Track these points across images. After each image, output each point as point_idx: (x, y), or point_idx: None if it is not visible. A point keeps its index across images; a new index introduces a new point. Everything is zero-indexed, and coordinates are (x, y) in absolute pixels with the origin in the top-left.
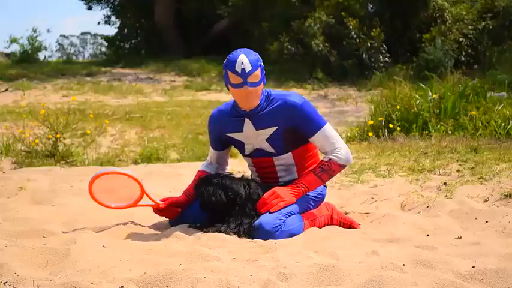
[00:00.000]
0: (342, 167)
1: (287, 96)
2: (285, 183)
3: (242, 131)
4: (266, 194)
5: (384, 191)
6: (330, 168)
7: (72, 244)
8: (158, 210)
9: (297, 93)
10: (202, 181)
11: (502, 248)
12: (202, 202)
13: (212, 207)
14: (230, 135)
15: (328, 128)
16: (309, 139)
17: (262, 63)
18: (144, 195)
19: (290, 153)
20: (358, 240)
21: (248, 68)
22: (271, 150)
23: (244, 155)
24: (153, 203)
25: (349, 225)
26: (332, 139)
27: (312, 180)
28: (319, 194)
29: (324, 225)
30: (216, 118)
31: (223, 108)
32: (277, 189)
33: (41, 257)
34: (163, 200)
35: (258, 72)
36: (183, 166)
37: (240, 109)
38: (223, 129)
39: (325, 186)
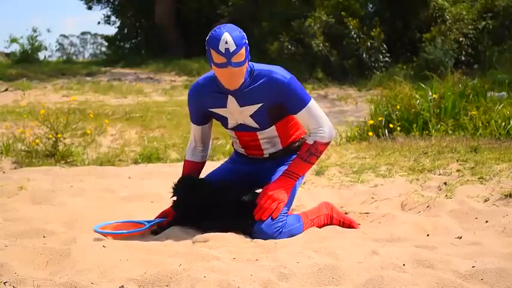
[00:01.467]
0: (327, 144)
1: (272, 73)
2: (271, 155)
3: (226, 107)
4: (262, 200)
5: (383, 191)
6: (316, 150)
7: (72, 244)
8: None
9: (281, 68)
10: (184, 183)
11: (502, 248)
12: (178, 202)
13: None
14: (213, 110)
15: (313, 105)
16: (294, 115)
17: (246, 41)
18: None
19: (273, 126)
20: (358, 240)
21: (232, 47)
22: (255, 125)
23: (226, 128)
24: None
25: (348, 224)
26: (316, 117)
27: (302, 167)
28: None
29: (323, 225)
30: (196, 94)
31: (203, 82)
32: (270, 190)
33: (41, 257)
34: (163, 215)
35: (243, 51)
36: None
37: (222, 86)
38: (205, 105)
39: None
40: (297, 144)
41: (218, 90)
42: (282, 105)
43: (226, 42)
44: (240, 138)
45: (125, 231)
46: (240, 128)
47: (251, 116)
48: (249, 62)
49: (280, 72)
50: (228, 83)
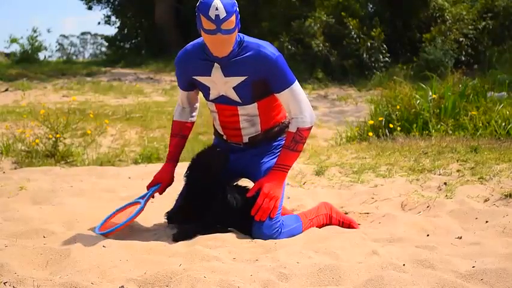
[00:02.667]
0: (310, 129)
1: (261, 47)
2: (250, 140)
3: (210, 75)
4: (259, 199)
5: (383, 191)
6: (301, 137)
7: (72, 244)
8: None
9: (271, 44)
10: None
11: (502, 248)
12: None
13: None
14: (196, 77)
15: (297, 87)
16: (276, 94)
17: (237, 8)
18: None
19: (256, 103)
20: (358, 240)
21: (223, 14)
22: (236, 99)
23: (207, 100)
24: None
25: (348, 224)
26: (299, 100)
27: (290, 157)
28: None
29: (323, 225)
30: (183, 60)
31: (190, 49)
32: (264, 187)
33: (41, 257)
34: (155, 181)
35: (233, 18)
36: (183, 166)
37: (210, 53)
38: (190, 72)
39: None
40: (276, 129)
41: (205, 58)
42: (266, 82)
43: (217, 9)
44: (220, 112)
45: (126, 220)
46: (221, 100)
47: (234, 88)
48: (240, 33)
49: (268, 47)
50: (217, 50)
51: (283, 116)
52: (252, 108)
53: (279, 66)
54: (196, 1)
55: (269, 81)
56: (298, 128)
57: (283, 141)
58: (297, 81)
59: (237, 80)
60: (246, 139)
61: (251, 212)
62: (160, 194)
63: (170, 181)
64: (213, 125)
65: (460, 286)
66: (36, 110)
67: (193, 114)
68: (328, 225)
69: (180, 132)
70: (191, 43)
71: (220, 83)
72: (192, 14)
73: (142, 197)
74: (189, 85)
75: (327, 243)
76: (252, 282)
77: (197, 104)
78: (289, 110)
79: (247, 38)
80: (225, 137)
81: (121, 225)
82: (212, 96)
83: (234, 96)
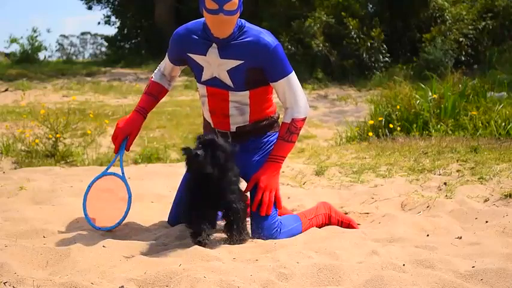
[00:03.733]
0: (304, 120)
1: (261, 34)
2: (238, 130)
3: (205, 55)
4: (257, 194)
5: (383, 191)
6: (296, 128)
7: (72, 244)
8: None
9: (270, 33)
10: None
11: (502, 248)
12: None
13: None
14: (191, 55)
15: (293, 77)
16: (272, 84)
17: None
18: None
19: (248, 91)
20: (358, 240)
21: None
22: (229, 83)
23: (199, 82)
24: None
25: (347, 224)
26: (295, 91)
27: (285, 147)
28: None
29: (322, 224)
30: (181, 36)
31: (191, 27)
32: (261, 181)
33: (41, 257)
34: (118, 133)
35: (236, 0)
36: (183, 166)
37: (210, 33)
38: (186, 49)
39: (275, 132)
40: (265, 122)
41: (203, 36)
42: (262, 70)
43: None
44: (210, 97)
45: (123, 218)
46: (212, 83)
47: (228, 71)
48: (241, 19)
49: (268, 36)
50: (217, 30)
51: (273, 110)
52: (243, 96)
53: (277, 54)
54: (195, 1)
55: (266, 69)
56: (293, 119)
57: (272, 137)
58: (293, 72)
59: (233, 63)
60: (233, 128)
61: (252, 208)
62: (128, 150)
63: (137, 133)
64: (202, 115)
65: (460, 286)
66: (36, 110)
67: (171, 83)
68: (327, 225)
69: (156, 94)
70: (192, 22)
71: (215, 64)
72: (192, 14)
73: (121, 171)
74: (179, 60)
75: (327, 243)
76: (252, 282)
77: (175, 79)
78: (284, 100)
79: (248, 24)
80: (212, 125)
81: (121, 222)
82: (204, 77)
83: (227, 79)
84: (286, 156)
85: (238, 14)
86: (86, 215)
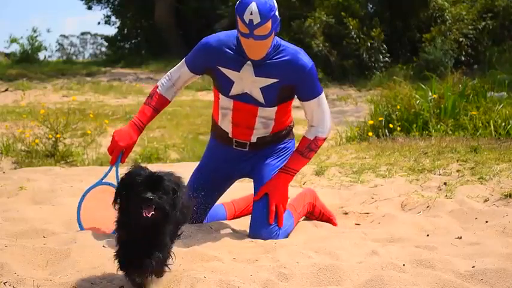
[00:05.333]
0: (325, 139)
1: (298, 54)
2: (258, 140)
3: (239, 71)
4: (270, 205)
5: (383, 191)
6: (316, 146)
7: (72, 244)
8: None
9: (304, 52)
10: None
11: (502, 248)
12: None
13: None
14: (222, 69)
15: (323, 98)
16: (302, 102)
17: (276, 12)
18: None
19: (276, 107)
20: (358, 240)
21: (257, 20)
22: (260, 99)
23: (226, 95)
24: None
25: (327, 218)
26: (323, 111)
27: (300, 162)
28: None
29: (306, 213)
30: (213, 48)
31: (224, 39)
32: (272, 192)
33: (41, 257)
34: (113, 147)
35: (269, 24)
36: (183, 166)
37: (245, 52)
38: (216, 61)
39: (292, 139)
40: (283, 132)
41: (238, 52)
42: (294, 88)
43: (251, 13)
44: (236, 111)
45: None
46: (242, 98)
47: (261, 88)
48: (277, 38)
49: (305, 56)
50: (249, 53)
51: (291, 119)
52: (271, 112)
53: (312, 75)
54: (195, 1)
55: (299, 88)
56: (316, 137)
57: (289, 144)
58: (323, 93)
59: (267, 81)
60: (254, 139)
61: (269, 221)
62: (123, 162)
63: (133, 147)
64: (215, 123)
65: (460, 286)
66: (36, 110)
67: (177, 94)
68: (310, 213)
69: (159, 107)
70: (225, 32)
71: (248, 81)
72: (192, 14)
73: (106, 176)
74: (203, 70)
75: (327, 243)
76: (252, 282)
77: (179, 92)
78: (311, 118)
79: (283, 42)
80: (230, 135)
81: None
82: (234, 92)
83: (259, 96)
84: (299, 170)
85: (271, 37)
86: (79, 224)
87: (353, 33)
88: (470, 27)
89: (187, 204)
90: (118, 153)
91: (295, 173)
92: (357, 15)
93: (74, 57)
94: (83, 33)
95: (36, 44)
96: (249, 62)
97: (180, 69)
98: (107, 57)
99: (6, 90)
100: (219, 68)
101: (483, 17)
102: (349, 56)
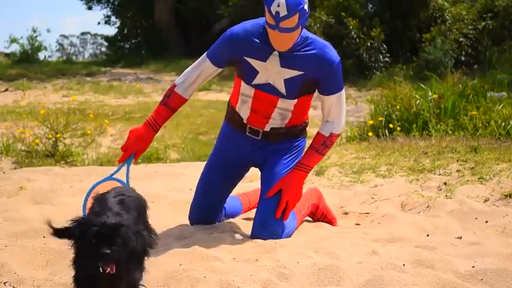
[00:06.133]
0: (338, 136)
1: (326, 48)
2: (271, 130)
3: (265, 61)
4: (282, 200)
5: (384, 191)
6: (331, 142)
7: None
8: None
9: (332, 46)
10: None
11: (502, 248)
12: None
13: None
14: (248, 59)
15: (343, 95)
16: (323, 96)
17: (304, 6)
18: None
19: (296, 99)
20: (358, 240)
21: (283, 12)
22: (283, 90)
23: (249, 84)
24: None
25: (329, 220)
26: (341, 107)
27: (315, 159)
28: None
29: (309, 213)
30: (240, 39)
31: (250, 29)
32: (287, 189)
33: (41, 257)
34: (126, 148)
35: (296, 17)
36: (183, 166)
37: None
38: (243, 52)
39: (305, 138)
40: (299, 128)
41: (265, 42)
42: (318, 82)
43: (279, 5)
44: (256, 99)
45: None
46: (264, 88)
47: (285, 80)
48: (305, 29)
49: (333, 50)
50: (275, 44)
51: (307, 116)
52: (290, 104)
53: (338, 71)
54: (195, 1)
55: (323, 82)
56: (331, 133)
57: (301, 143)
58: (344, 90)
59: (292, 73)
60: (267, 128)
61: (276, 214)
62: (135, 160)
63: (147, 148)
64: (232, 109)
65: (460, 286)
66: (36, 110)
67: (193, 92)
68: (312, 213)
69: (176, 106)
70: (250, 22)
71: (273, 72)
72: (192, 14)
73: (118, 172)
74: (228, 62)
75: (327, 243)
76: (252, 282)
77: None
78: (328, 113)
79: (311, 35)
80: (245, 120)
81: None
82: (257, 81)
83: (281, 87)
84: (313, 167)
85: (298, 30)
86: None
87: (353, 33)
88: (470, 27)
89: (149, 241)
90: (130, 154)
91: (310, 170)
92: (357, 15)
93: (74, 57)
94: (83, 33)
95: (36, 44)
96: (275, 53)
97: (200, 65)
98: (107, 57)
99: (6, 90)
100: (245, 58)
101: (483, 17)
102: (349, 56)
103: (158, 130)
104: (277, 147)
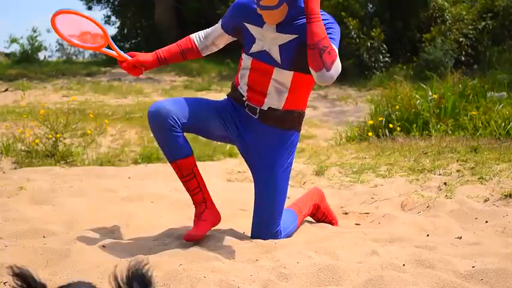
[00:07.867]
0: (334, 63)
1: (323, 15)
2: (268, 110)
3: (262, 27)
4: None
5: (384, 191)
6: (332, 51)
7: (72, 244)
8: (122, 63)
9: (333, 18)
10: None
11: (502, 248)
12: None
13: None
14: (247, 25)
15: (336, 49)
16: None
17: None
18: (109, 44)
19: (292, 72)
20: (358, 240)
21: None
22: (277, 58)
23: (247, 53)
24: (117, 54)
25: (329, 220)
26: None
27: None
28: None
29: (310, 213)
30: (242, 4)
31: None
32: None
33: (41, 257)
34: (131, 55)
35: None
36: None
37: None
38: (244, 17)
39: (298, 133)
40: (295, 114)
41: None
42: None
43: None
44: (253, 71)
45: (88, 44)
46: (260, 56)
47: (280, 46)
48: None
49: (328, 15)
50: (264, 18)
51: (304, 107)
52: (287, 77)
53: (330, 27)
54: (195, 1)
55: None
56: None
57: (293, 136)
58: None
59: (287, 37)
60: (265, 107)
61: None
62: (126, 64)
63: (147, 68)
64: (235, 88)
65: (460, 286)
66: (36, 110)
67: (207, 52)
68: (313, 214)
69: (187, 51)
70: None
71: (269, 38)
72: (192, 14)
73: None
74: (233, 30)
75: (327, 243)
76: (252, 282)
77: (213, 50)
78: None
79: None
80: (245, 98)
81: (75, 11)
82: (254, 49)
83: (276, 54)
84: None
85: (282, 8)
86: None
87: (353, 33)
88: (470, 27)
89: None
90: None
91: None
92: (357, 15)
93: (74, 57)
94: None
95: (36, 44)
96: None
97: (214, 27)
98: (107, 57)
99: (6, 90)
100: (245, 24)
101: (483, 17)
102: (349, 56)
103: (162, 62)
104: (271, 143)
